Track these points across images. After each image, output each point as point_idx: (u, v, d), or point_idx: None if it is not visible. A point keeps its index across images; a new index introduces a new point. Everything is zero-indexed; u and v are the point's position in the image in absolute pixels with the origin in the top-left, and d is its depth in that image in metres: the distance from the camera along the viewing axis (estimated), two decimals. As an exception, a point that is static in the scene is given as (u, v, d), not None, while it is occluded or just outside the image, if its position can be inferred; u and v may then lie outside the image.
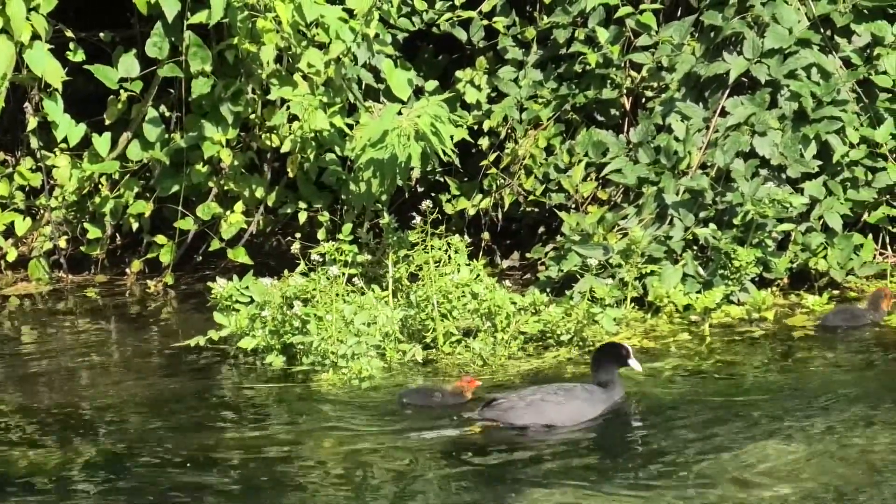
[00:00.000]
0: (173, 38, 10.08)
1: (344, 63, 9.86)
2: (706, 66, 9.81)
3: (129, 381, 8.38)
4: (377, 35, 10.00)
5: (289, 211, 10.32)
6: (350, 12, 9.75)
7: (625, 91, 10.13)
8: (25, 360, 8.96)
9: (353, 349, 8.13)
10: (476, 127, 10.39)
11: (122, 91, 10.21)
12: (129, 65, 10.17)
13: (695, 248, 9.32)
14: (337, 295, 8.40)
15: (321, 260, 8.71)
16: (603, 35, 10.04)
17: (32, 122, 10.40)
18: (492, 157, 10.25)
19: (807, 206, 9.42)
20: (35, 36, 9.73)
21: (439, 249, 8.79)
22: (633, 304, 9.01)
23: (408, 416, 7.51)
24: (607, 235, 9.37)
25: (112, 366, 8.76)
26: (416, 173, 10.28)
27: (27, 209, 10.76)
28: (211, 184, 10.33)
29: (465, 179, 10.49)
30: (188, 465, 6.92)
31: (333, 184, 10.11)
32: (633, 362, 7.57)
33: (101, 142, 10.27)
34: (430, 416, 7.52)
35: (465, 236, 9.33)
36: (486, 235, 10.15)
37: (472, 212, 10.28)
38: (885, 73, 9.77)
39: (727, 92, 9.79)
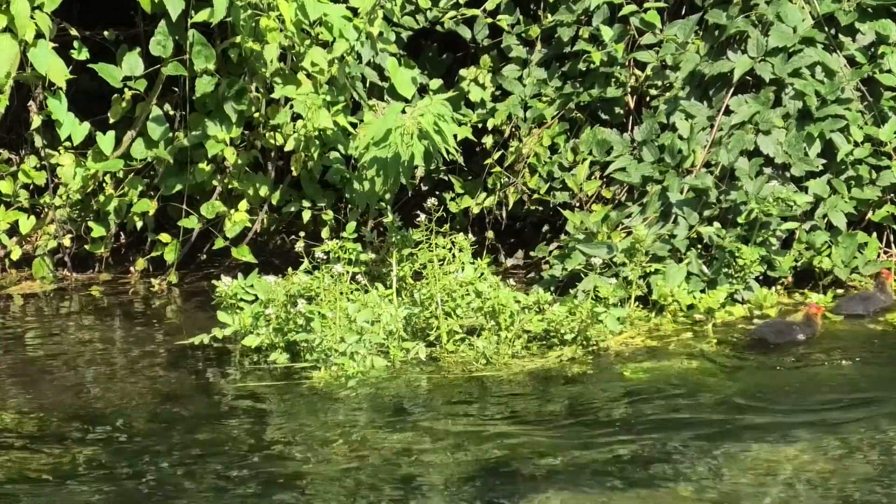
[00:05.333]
0: (177, 37, 10.09)
1: (347, 61, 9.86)
2: (710, 65, 9.81)
3: (133, 379, 8.38)
4: (381, 33, 10.01)
5: (293, 209, 10.32)
6: (353, 10, 9.75)
7: (629, 89, 10.13)
8: (29, 358, 8.96)
9: (354, 347, 8.13)
10: (480, 125, 10.39)
11: (126, 89, 10.21)
12: (132, 63, 10.18)
13: (699, 246, 9.31)
14: (341, 293, 8.41)
15: (325, 258, 8.72)
16: (607, 34, 10.04)
17: (36, 121, 10.42)
18: (496, 155, 10.25)
19: (811, 204, 9.42)
20: (39, 34, 9.73)
21: (443, 248, 8.79)
22: (637, 303, 9.00)
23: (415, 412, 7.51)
24: (611, 234, 9.37)
25: (116, 364, 8.76)
26: (419, 172, 10.29)
27: (31, 208, 10.76)
28: (215, 182, 10.33)
29: (469, 178, 10.49)
30: (191, 463, 6.92)
31: (337, 182, 10.11)
32: None
33: (105, 140, 10.27)
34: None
35: (469, 235, 9.34)
36: (490, 234, 10.15)
37: (475, 210, 10.28)
38: (889, 71, 9.77)
39: (731, 90, 9.79)
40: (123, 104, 10.30)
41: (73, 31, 10.34)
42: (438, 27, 10.66)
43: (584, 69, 10.23)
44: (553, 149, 10.15)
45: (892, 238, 9.77)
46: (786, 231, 9.36)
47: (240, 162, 10.20)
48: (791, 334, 8.34)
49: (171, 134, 10.27)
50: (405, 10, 10.42)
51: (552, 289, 9.19)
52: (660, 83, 10.08)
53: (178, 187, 10.31)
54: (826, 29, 9.86)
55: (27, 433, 7.48)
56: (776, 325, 8.48)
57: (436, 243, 8.78)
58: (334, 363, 8.12)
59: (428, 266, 8.71)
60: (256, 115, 10.14)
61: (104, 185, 10.50)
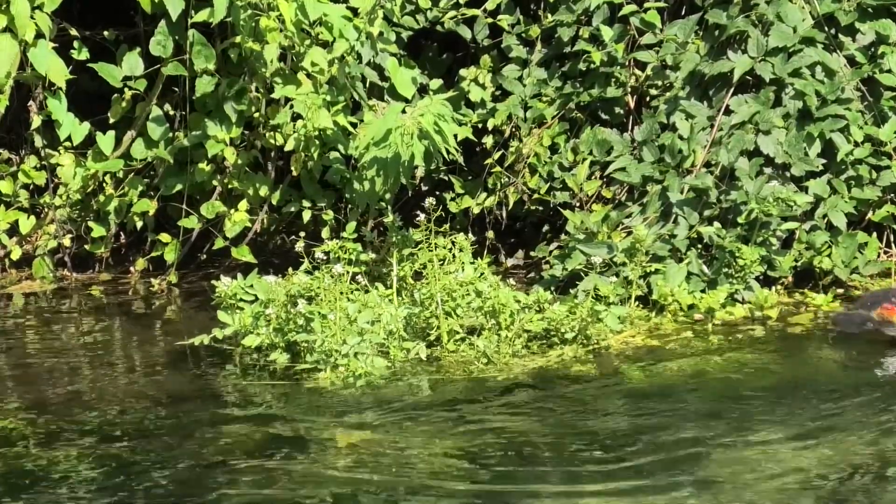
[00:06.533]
0: (177, 37, 10.09)
1: (347, 61, 9.86)
2: (710, 65, 9.81)
3: (133, 379, 8.39)
4: (381, 33, 10.00)
5: (293, 209, 10.33)
6: (354, 10, 9.75)
7: (629, 89, 10.13)
8: (29, 358, 8.96)
9: (356, 348, 8.12)
10: (480, 125, 10.39)
11: (126, 89, 10.21)
12: (133, 63, 10.18)
13: (699, 246, 9.32)
14: (341, 293, 8.40)
15: (325, 258, 8.72)
16: (607, 34, 10.04)
17: (36, 121, 10.42)
18: (496, 155, 10.25)
19: (811, 204, 9.42)
20: (39, 34, 9.73)
21: (443, 248, 8.79)
22: (637, 303, 9.01)
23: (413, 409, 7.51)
24: (611, 234, 9.37)
25: (116, 364, 8.76)
26: (420, 172, 10.29)
27: (31, 208, 10.76)
28: (215, 182, 10.33)
29: (470, 178, 10.50)
30: (191, 462, 6.92)
31: (337, 182, 10.11)
32: None
33: (105, 140, 10.27)
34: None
35: (469, 235, 9.33)
36: (490, 234, 10.15)
37: (476, 210, 10.29)
38: (889, 71, 9.77)
39: (731, 90, 9.79)
40: (123, 104, 10.30)
41: (73, 31, 10.33)
42: (438, 27, 10.65)
43: (584, 69, 10.24)
44: (553, 149, 10.15)
45: (892, 238, 9.77)
46: (786, 231, 9.36)
47: (240, 162, 10.20)
48: (863, 329, 8.53)
49: (171, 134, 10.28)
50: (405, 10, 10.42)
51: (552, 288, 9.19)
52: (660, 83, 10.08)
53: (178, 187, 10.31)
54: (826, 29, 9.86)
55: (25, 433, 7.48)
56: (851, 314, 8.69)
57: (436, 243, 8.78)
58: (339, 364, 8.12)
59: (428, 266, 8.72)
60: (256, 115, 10.14)
61: (104, 185, 10.50)
